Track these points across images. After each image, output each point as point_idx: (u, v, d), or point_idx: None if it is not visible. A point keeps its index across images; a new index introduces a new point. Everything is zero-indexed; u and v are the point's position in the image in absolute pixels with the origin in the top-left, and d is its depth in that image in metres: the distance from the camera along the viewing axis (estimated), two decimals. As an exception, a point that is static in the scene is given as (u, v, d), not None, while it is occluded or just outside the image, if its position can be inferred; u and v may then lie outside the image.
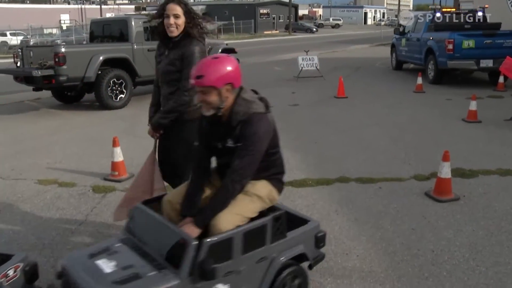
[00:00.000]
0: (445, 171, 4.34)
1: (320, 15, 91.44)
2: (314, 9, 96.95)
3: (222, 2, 55.19)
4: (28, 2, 52.62)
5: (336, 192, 4.64)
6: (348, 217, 4.04)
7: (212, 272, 2.19)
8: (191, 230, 2.37)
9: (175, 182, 3.22)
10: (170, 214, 2.65)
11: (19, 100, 10.81)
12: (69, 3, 59.10)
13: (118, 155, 5.08)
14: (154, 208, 2.66)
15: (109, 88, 9.18)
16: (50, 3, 56.54)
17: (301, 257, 2.69)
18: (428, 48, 11.97)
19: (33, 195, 4.67)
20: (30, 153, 6.27)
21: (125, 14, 14.21)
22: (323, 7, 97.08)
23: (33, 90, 9.88)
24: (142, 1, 69.39)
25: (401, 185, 4.78)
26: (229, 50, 12.21)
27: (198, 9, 47.34)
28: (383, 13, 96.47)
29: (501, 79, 10.68)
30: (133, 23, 9.71)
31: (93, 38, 10.93)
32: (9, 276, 2.41)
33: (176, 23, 3.13)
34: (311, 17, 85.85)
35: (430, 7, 19.19)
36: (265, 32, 50.84)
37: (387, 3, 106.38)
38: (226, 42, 14.00)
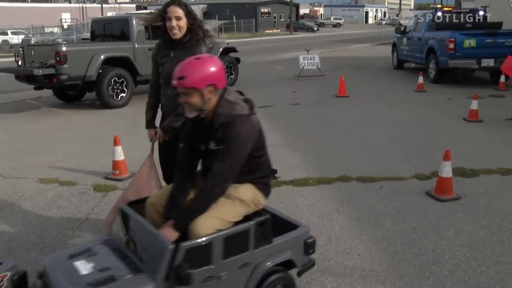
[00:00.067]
0: (446, 170, 4.34)
1: (321, 14, 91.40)
2: (315, 8, 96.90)
3: (223, 1, 55.15)
4: (29, 1, 52.65)
5: (337, 191, 4.64)
6: (349, 216, 4.04)
7: (188, 277, 2.13)
8: (170, 234, 2.32)
9: None
10: (153, 217, 2.60)
11: (20, 99, 10.82)
12: (70, 2, 59.17)
13: (119, 154, 5.08)
14: (139, 210, 2.62)
15: (110, 87, 9.19)
16: (51, 2, 56.58)
17: (289, 264, 2.62)
18: (429, 47, 11.95)
19: (34, 194, 4.68)
20: (31, 152, 6.28)
21: (126, 13, 14.21)
22: (324, 6, 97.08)
23: (34, 89, 9.91)
24: (143, 0, 69.33)
25: (402, 184, 4.78)
26: (230, 49, 12.23)
27: (199, 8, 47.34)
28: (384, 12, 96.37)
29: (502, 79, 10.66)
30: (134, 22, 9.72)
31: (94, 37, 10.95)
32: None
33: (179, 25, 3.14)
34: (312, 16, 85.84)
35: (431, 6, 19.15)
36: (266, 31, 50.80)
37: (388, 2, 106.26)
38: (227, 41, 14.02)
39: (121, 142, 5.14)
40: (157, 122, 3.45)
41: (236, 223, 2.48)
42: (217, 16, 46.96)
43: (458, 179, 4.75)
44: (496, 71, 10.88)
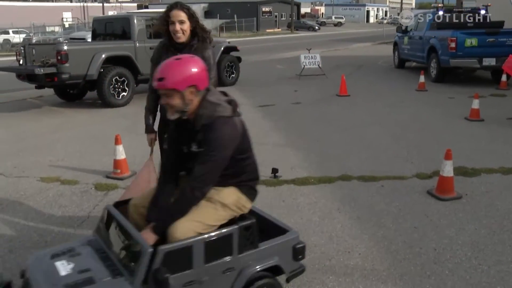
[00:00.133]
0: (448, 169, 4.33)
1: (322, 13, 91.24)
2: (316, 7, 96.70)
3: (225, 0, 55.15)
4: (30, 0, 52.64)
5: (338, 190, 4.64)
6: (350, 215, 4.03)
7: (166, 281, 2.09)
8: (149, 237, 2.28)
9: None
10: (136, 219, 2.56)
11: (22, 98, 10.82)
12: (71, 1, 59.15)
13: (120, 153, 5.09)
14: (125, 211, 2.59)
15: (111, 86, 9.20)
16: (52, 1, 56.56)
17: (276, 269, 2.56)
18: (430, 47, 11.94)
19: (35, 192, 4.68)
20: (33, 151, 6.28)
21: (128, 12, 14.23)
22: (326, 5, 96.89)
23: (36, 88, 9.92)
24: (144, -1, 69.29)
25: (403, 184, 4.78)
26: (231, 48, 12.23)
27: (200, 7, 47.41)
28: (386, 11, 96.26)
29: (503, 78, 10.65)
30: (135, 21, 9.72)
31: (95, 36, 10.95)
32: None
33: (182, 28, 3.16)
34: (313, 15, 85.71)
35: (432, 5, 19.14)
36: (267, 30, 50.79)
37: (389, 1, 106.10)
38: (228, 40, 14.02)
39: (122, 141, 5.15)
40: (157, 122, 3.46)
41: (222, 226, 2.43)
42: (218, 15, 47.01)
43: (459, 178, 4.75)
44: (497, 70, 10.87)
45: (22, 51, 9.66)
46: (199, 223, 2.35)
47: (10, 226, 3.88)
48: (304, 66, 13.17)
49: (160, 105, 3.38)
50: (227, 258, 2.38)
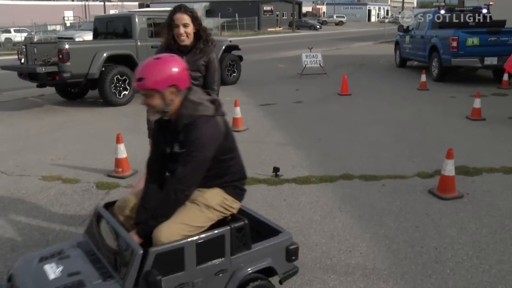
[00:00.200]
0: (449, 168, 4.33)
1: (323, 12, 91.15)
2: (317, 6, 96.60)
3: (226, -1, 55.18)
4: (32, -1, 52.66)
5: (339, 189, 4.64)
6: (352, 214, 4.04)
7: (157, 284, 2.05)
8: (134, 239, 2.25)
9: None
10: (121, 221, 2.52)
11: (23, 96, 10.83)
12: (73, 0, 59.13)
13: (122, 151, 5.10)
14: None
15: (112, 85, 9.20)
16: (54, 0, 56.55)
17: (270, 271, 2.54)
18: (432, 46, 11.93)
19: (37, 191, 4.69)
20: (34, 149, 6.29)
21: (129, 11, 14.23)
22: (327, 4, 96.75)
23: (37, 86, 9.92)
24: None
25: (404, 183, 4.77)
26: (232, 47, 12.22)
27: (202, 6, 47.43)
28: (387, 10, 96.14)
29: (505, 77, 10.63)
30: (136, 20, 9.72)
31: (97, 34, 10.95)
32: None
33: (186, 32, 3.17)
34: (314, 14, 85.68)
35: (434, 4, 19.10)
36: (269, 29, 50.75)
37: (391, 0, 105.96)
38: (229, 39, 14.00)
39: (124, 140, 5.16)
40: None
41: (214, 227, 2.39)
42: (219, 14, 46.99)
43: (460, 177, 4.74)
44: (499, 70, 10.84)
45: (24, 49, 9.67)
46: (185, 225, 2.31)
47: (11, 225, 3.89)
48: (306, 65, 13.17)
49: None
50: (220, 260, 2.35)
